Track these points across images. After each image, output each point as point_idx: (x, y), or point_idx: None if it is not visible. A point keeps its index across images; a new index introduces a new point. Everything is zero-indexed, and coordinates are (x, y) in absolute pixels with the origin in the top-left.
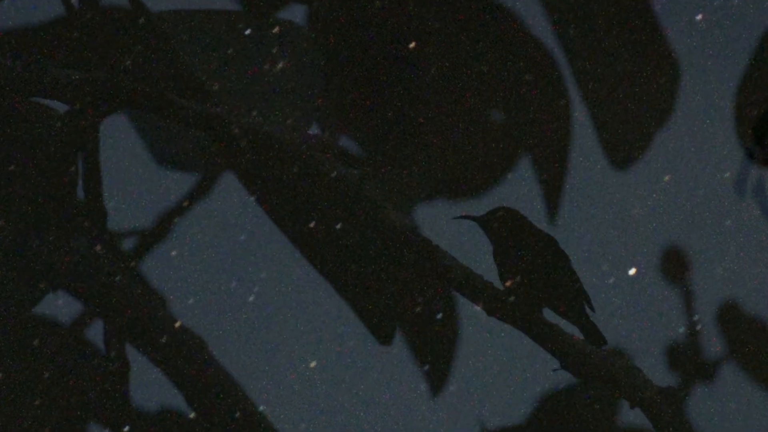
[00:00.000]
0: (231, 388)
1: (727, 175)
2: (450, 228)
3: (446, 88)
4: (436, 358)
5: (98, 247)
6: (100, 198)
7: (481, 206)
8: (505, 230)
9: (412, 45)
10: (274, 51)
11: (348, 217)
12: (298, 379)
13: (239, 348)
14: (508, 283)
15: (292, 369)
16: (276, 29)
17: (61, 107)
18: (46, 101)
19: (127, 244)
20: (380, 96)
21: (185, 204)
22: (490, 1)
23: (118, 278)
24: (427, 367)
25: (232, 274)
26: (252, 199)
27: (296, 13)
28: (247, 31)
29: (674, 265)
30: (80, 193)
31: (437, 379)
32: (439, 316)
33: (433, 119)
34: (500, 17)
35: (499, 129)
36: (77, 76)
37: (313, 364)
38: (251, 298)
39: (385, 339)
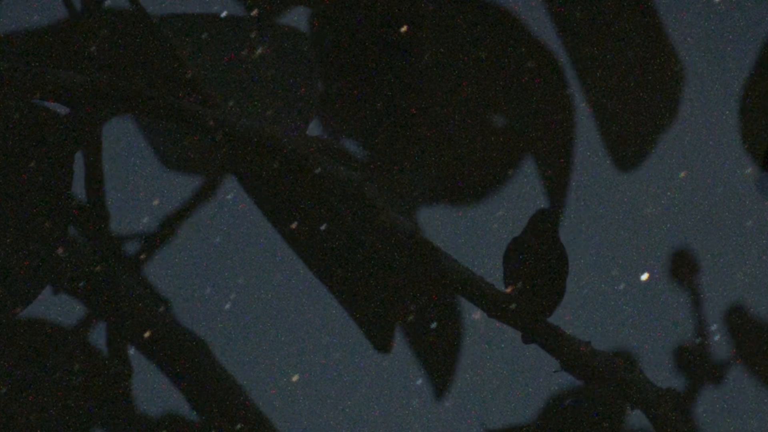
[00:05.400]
0: (234, 392)
1: (749, 171)
2: (452, 232)
3: (441, 79)
4: (439, 361)
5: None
6: (102, 200)
7: (483, 209)
8: (533, 233)
9: (404, 29)
10: (252, 36)
11: (344, 218)
12: (278, 395)
13: (234, 352)
14: (510, 289)
15: (272, 383)
16: (254, 12)
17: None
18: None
19: (132, 247)
20: (374, 87)
21: (190, 207)
22: None
23: (119, 281)
24: (428, 371)
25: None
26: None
27: (298, 17)
28: (223, 14)
29: (683, 268)
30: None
31: (441, 383)
32: (435, 322)
33: (430, 114)
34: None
35: (500, 125)
36: (79, 79)
37: (295, 378)
38: (227, 306)
39: (382, 346)
